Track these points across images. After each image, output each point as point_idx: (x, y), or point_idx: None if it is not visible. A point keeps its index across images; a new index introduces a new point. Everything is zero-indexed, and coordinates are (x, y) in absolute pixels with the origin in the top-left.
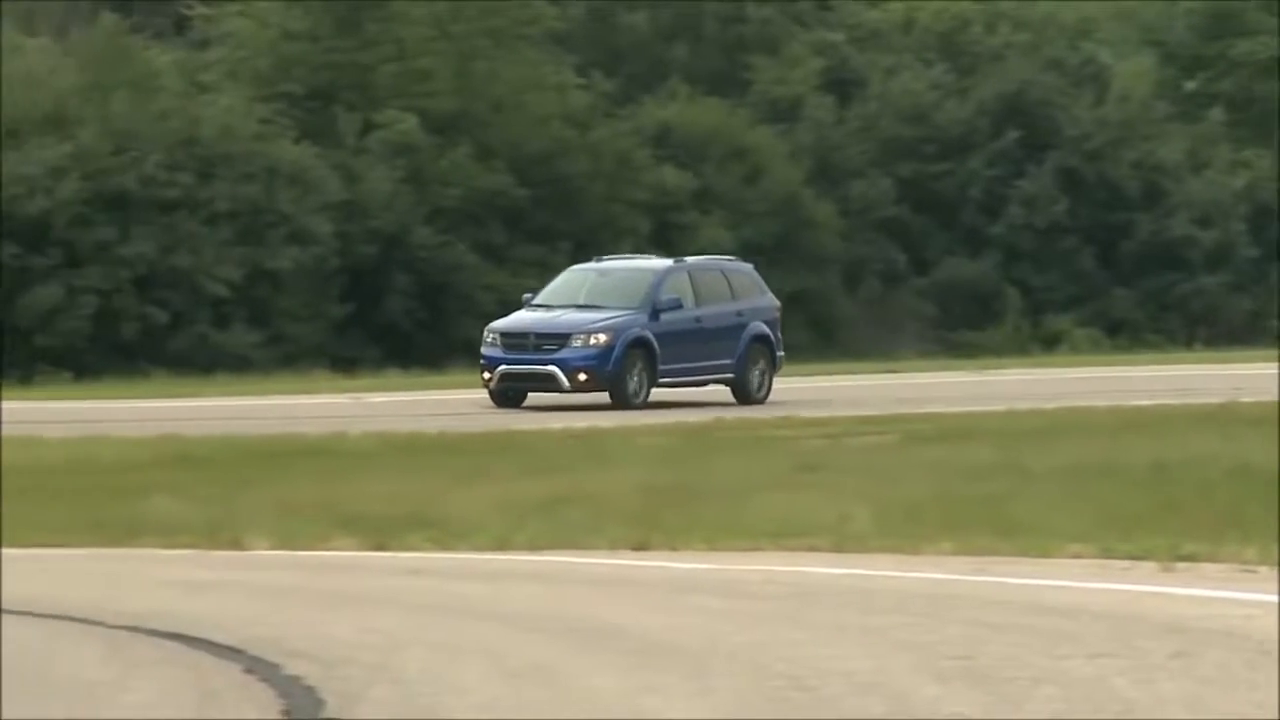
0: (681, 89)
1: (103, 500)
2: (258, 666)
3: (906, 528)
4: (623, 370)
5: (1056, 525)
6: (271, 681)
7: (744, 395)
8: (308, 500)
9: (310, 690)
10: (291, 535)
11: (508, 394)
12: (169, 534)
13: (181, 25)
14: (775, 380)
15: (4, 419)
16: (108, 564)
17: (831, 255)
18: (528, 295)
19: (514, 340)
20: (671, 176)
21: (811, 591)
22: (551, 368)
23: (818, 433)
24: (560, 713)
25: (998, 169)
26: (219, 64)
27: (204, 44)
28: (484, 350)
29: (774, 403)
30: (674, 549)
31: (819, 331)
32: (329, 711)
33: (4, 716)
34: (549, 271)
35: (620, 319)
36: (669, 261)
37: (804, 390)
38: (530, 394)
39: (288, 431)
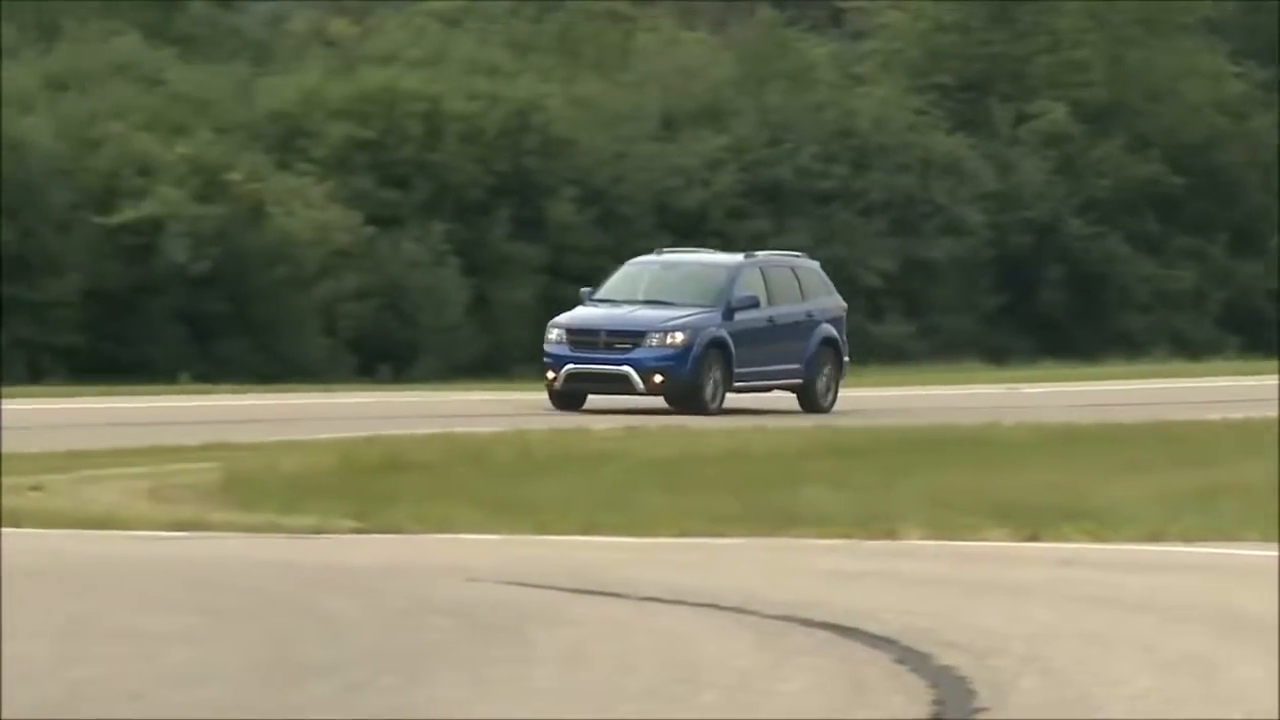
0: None
1: (757, 490)
2: (909, 657)
3: None
4: (700, 373)
5: None
6: (922, 672)
7: (811, 403)
8: (960, 490)
9: (961, 681)
10: (944, 525)
11: (571, 395)
12: (822, 524)
13: (837, 18)
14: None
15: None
16: (762, 553)
17: None
18: (586, 290)
19: (582, 338)
20: None
21: None
22: (625, 368)
23: None
24: (1212, 706)
25: None
26: (873, 55)
27: (859, 36)
28: (547, 348)
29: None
30: None
31: None
32: (980, 702)
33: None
34: (1202, 263)
35: (696, 317)
36: (739, 256)
37: None
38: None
39: (941, 422)
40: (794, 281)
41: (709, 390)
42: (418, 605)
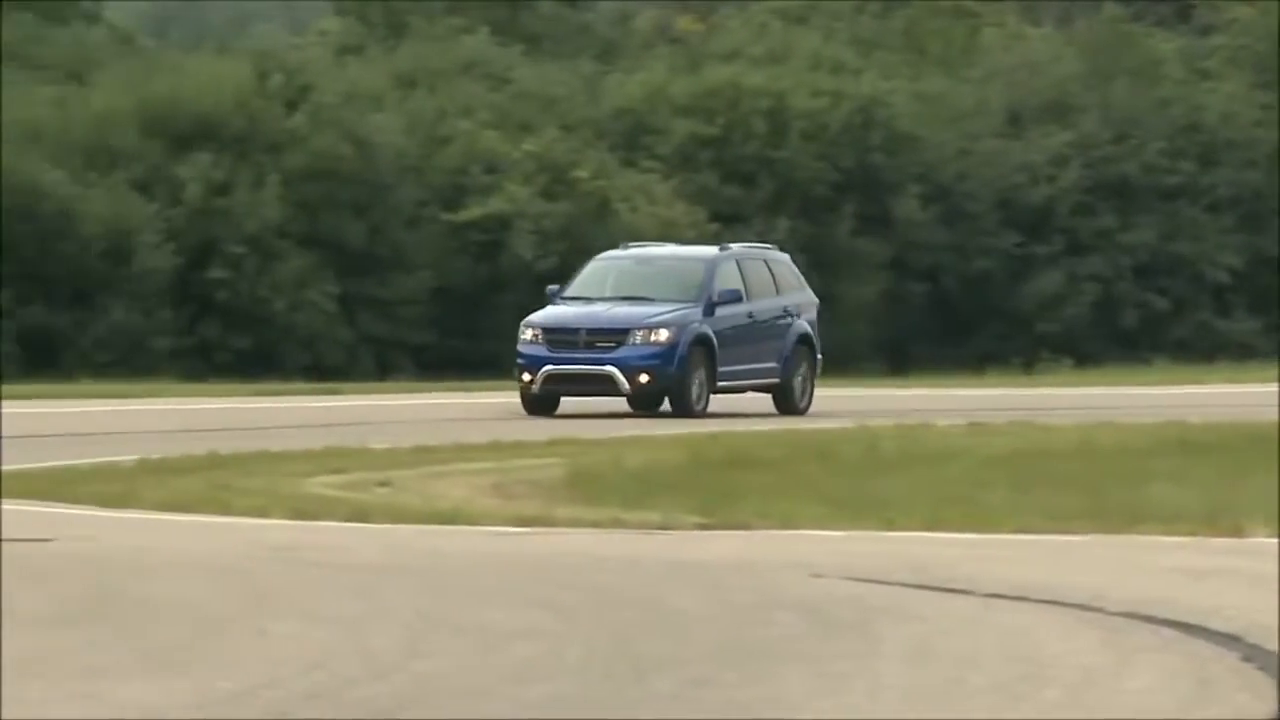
0: None
1: (1104, 486)
2: (1255, 654)
3: None
4: (687, 372)
5: None
6: (1269, 670)
7: (786, 404)
8: None
9: None
10: None
11: (547, 399)
12: (1169, 521)
13: (1185, 13)
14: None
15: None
16: (1108, 550)
17: None
18: (553, 288)
19: (560, 337)
20: None
21: None
22: (609, 368)
23: None
24: None
25: None
26: (1221, 50)
27: (1206, 31)
28: (521, 348)
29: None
30: None
31: None
32: None
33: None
34: None
35: (679, 313)
36: (714, 249)
37: None
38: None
39: None
40: (769, 275)
41: (694, 390)
42: (762, 601)
